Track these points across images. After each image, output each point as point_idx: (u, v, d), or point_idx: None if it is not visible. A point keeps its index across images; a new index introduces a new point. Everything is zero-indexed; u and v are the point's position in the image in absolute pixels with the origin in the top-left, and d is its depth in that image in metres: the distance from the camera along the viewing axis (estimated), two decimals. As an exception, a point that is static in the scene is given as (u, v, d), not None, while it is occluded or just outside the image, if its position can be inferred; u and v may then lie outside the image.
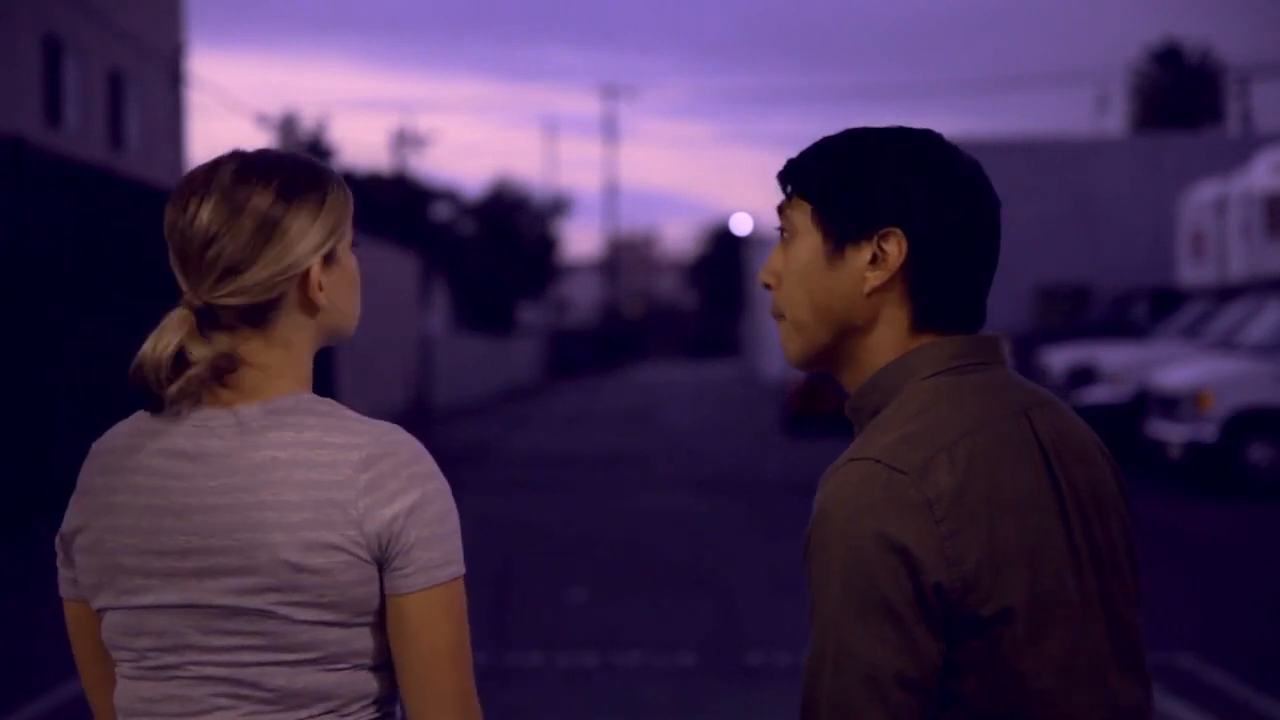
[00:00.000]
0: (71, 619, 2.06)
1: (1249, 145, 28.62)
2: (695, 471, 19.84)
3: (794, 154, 2.01)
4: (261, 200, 1.92)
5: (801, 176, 1.97)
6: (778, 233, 2.00)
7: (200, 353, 1.91)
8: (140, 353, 1.92)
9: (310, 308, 1.96)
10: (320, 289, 1.96)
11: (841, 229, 1.93)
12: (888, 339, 1.93)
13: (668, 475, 19.53)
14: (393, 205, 46.39)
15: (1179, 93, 51.65)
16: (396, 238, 37.48)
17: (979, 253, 1.93)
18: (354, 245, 2.04)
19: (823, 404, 28.33)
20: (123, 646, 1.95)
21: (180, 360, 1.91)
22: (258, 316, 1.94)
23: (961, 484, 1.82)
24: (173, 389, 1.90)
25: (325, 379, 26.13)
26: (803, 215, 1.95)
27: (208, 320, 1.93)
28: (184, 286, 1.94)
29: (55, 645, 3.39)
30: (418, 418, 32.22)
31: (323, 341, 2.02)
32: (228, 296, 1.92)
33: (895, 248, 1.91)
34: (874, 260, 1.92)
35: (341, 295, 2.00)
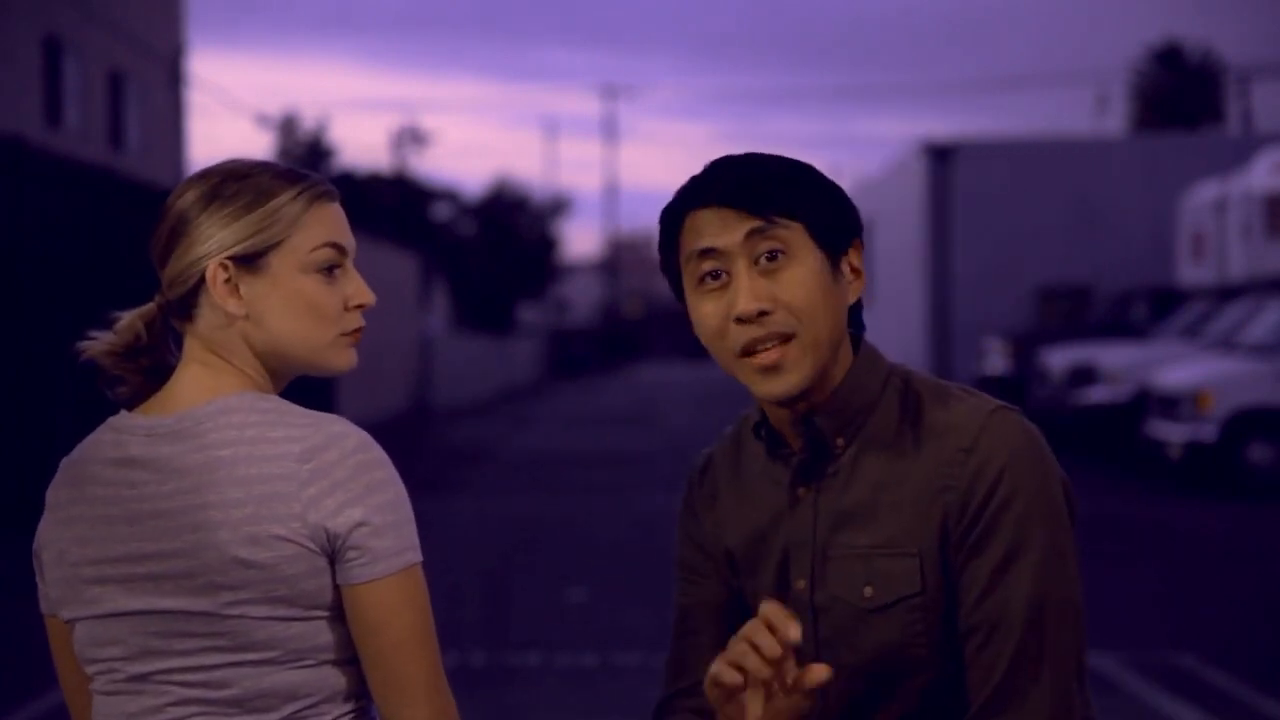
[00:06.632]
0: (51, 634, 2.07)
1: (1249, 145, 28.60)
2: (695, 471, 19.82)
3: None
4: (187, 199, 1.96)
5: (785, 199, 1.96)
6: (762, 259, 1.95)
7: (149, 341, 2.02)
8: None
9: (219, 311, 1.95)
10: (228, 294, 1.94)
11: (836, 244, 1.99)
12: (843, 348, 2.03)
13: (668, 475, 19.54)
14: (393, 205, 46.42)
15: (1179, 93, 51.62)
16: (396, 238, 37.49)
17: None
18: (330, 269, 1.97)
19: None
20: (92, 659, 1.95)
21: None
22: (184, 313, 1.98)
23: None
24: (95, 347, 2.00)
25: (325, 380, 26.11)
26: (797, 235, 1.96)
27: (168, 316, 2.02)
28: None
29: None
30: (418, 418, 32.23)
31: (271, 359, 1.97)
32: (163, 290, 1.99)
33: (857, 257, 2.02)
34: (854, 271, 2.02)
35: (273, 311, 1.95)
